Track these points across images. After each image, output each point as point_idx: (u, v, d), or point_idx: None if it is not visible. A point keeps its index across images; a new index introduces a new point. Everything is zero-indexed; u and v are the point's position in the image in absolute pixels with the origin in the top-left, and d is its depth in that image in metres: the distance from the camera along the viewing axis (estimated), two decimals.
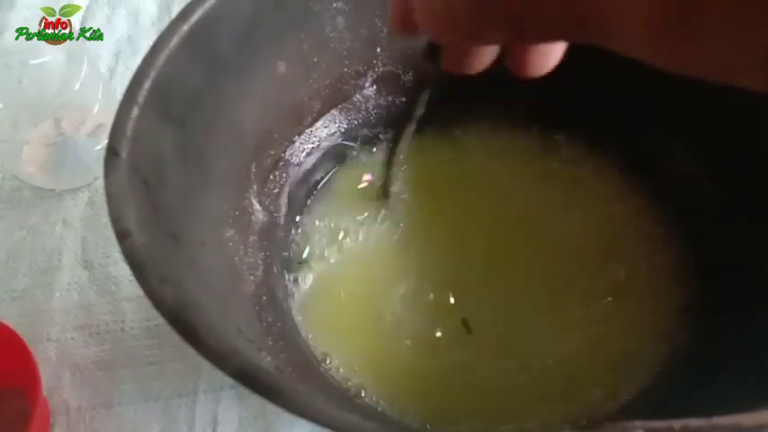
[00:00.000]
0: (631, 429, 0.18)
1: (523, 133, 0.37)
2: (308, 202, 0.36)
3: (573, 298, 0.32)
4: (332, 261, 0.35)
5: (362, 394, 0.30)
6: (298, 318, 0.33)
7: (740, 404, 0.18)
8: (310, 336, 0.32)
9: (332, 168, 0.37)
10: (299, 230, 0.36)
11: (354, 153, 0.38)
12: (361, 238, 0.35)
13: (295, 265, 0.34)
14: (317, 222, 0.36)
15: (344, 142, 0.37)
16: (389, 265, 0.34)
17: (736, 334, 0.28)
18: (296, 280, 0.34)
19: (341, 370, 0.31)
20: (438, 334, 0.32)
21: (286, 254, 0.35)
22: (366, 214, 0.36)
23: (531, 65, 0.21)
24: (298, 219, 0.36)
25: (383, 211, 0.36)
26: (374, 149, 0.38)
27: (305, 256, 0.35)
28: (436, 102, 0.28)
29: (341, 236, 0.35)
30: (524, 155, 0.37)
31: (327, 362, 0.31)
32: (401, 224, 0.35)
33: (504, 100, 0.34)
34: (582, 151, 0.36)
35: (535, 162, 0.37)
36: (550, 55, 0.21)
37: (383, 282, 0.33)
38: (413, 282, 0.33)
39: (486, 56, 0.21)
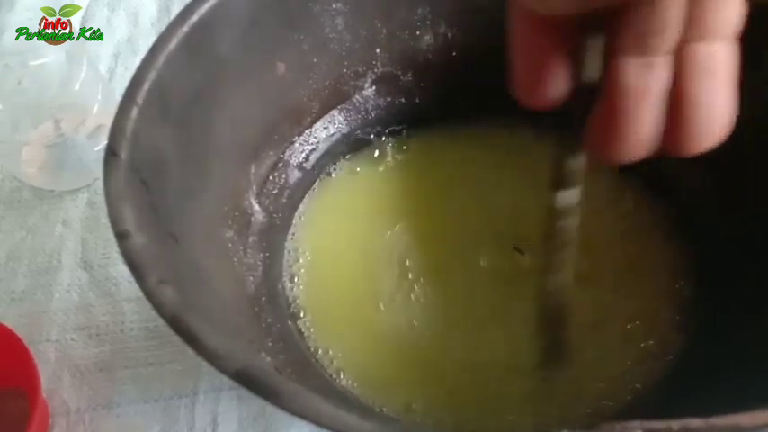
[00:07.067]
0: (630, 429, 0.18)
1: (541, 139, 0.36)
2: (308, 203, 0.36)
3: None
4: (331, 261, 0.35)
5: (355, 389, 0.30)
6: (297, 317, 0.33)
7: (739, 404, 0.18)
8: (310, 336, 0.32)
9: (332, 169, 0.37)
10: (299, 231, 0.36)
11: (354, 154, 0.38)
12: (361, 238, 0.35)
13: (294, 264, 0.34)
14: (316, 223, 0.36)
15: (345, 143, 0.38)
16: (392, 262, 0.34)
17: (734, 334, 0.28)
18: (295, 280, 0.34)
19: (339, 368, 0.31)
20: (439, 330, 0.32)
21: (285, 254, 0.35)
22: (365, 214, 0.36)
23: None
24: (297, 219, 0.36)
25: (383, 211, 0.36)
26: (375, 152, 0.38)
27: (305, 255, 0.35)
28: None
29: (340, 236, 0.35)
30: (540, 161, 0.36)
31: (327, 361, 0.31)
32: (403, 222, 0.35)
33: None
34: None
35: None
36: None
37: (383, 279, 0.33)
38: (414, 279, 0.33)
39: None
